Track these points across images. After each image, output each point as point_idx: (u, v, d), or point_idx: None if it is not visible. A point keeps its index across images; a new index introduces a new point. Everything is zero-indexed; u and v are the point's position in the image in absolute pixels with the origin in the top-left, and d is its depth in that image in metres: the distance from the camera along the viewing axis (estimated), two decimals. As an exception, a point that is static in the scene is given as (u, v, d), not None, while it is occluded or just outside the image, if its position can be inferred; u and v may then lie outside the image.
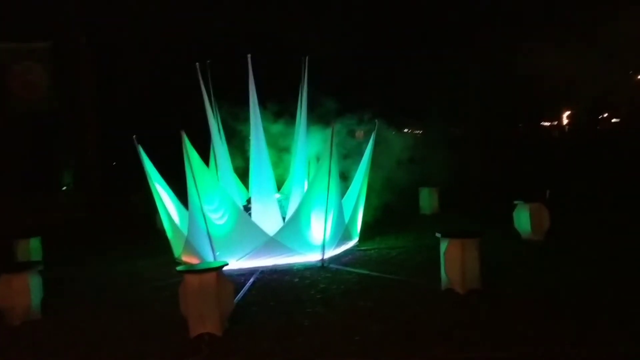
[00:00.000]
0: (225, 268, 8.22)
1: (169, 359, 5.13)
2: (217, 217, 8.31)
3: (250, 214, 8.96)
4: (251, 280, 7.78)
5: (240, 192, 10.19)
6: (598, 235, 9.57)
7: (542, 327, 5.36)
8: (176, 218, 9.24)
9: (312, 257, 8.66)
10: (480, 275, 6.64)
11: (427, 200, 13.32)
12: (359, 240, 10.11)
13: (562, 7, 20.93)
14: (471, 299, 6.40)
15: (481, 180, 16.54)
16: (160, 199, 9.24)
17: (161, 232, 11.54)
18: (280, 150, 10.60)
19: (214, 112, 9.78)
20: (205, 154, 10.53)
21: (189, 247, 8.79)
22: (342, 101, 10.76)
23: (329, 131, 8.49)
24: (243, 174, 10.19)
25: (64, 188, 15.98)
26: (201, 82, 9.28)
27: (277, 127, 10.31)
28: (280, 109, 10.28)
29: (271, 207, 9.04)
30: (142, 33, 15.31)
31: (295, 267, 8.42)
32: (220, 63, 10.07)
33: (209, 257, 8.29)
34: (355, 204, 9.71)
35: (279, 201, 9.53)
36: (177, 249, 9.22)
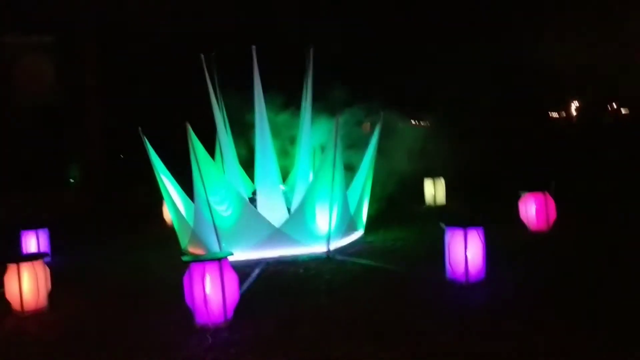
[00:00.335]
0: (231, 259, 8.35)
1: (173, 348, 5.16)
2: (223, 208, 8.36)
3: (255, 206, 9.00)
4: (256, 271, 7.82)
5: (245, 184, 10.23)
6: (604, 227, 9.54)
7: (544, 318, 5.36)
8: (182, 210, 9.29)
9: (318, 248, 8.70)
10: (484, 266, 6.65)
11: (433, 191, 13.32)
12: (364, 232, 10.13)
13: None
14: (475, 289, 6.40)
15: (487, 171, 16.48)
16: (167, 191, 9.30)
17: (167, 224, 11.65)
18: (286, 141, 10.63)
19: (220, 104, 9.81)
20: (211, 146, 10.60)
21: (195, 238, 8.85)
22: (349, 91, 10.76)
23: (334, 122, 8.50)
24: (249, 166, 10.22)
25: (71, 181, 16.07)
26: (206, 73, 9.29)
27: (283, 118, 10.34)
28: (285, 100, 10.30)
29: (276, 199, 9.08)
30: (148, 25, 15.30)
31: (300, 259, 8.45)
32: (226, 54, 10.06)
33: (215, 249, 8.34)
34: (361, 196, 9.72)
35: (284, 193, 9.56)
36: (184, 241, 9.29)
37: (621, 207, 11.26)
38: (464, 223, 6.83)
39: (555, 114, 35.38)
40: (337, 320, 5.64)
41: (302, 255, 8.55)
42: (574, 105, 36.33)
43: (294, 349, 4.99)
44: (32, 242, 9.22)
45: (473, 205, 12.51)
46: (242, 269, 7.90)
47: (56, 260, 9.35)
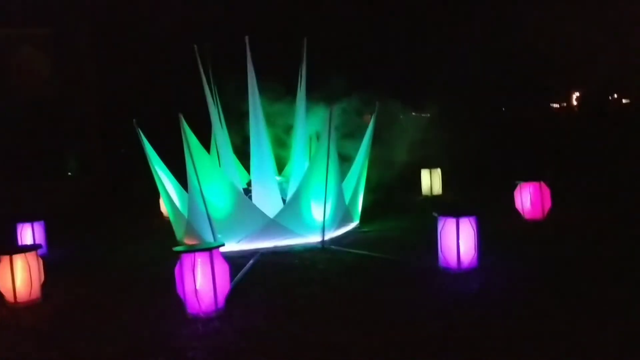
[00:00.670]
0: (226, 250, 8.38)
1: (164, 338, 5.18)
2: (217, 199, 8.36)
3: (250, 197, 9.00)
4: (251, 261, 7.83)
5: (241, 175, 10.24)
6: (600, 217, 9.52)
7: (536, 305, 5.38)
8: (177, 201, 9.29)
9: (313, 238, 8.70)
10: (477, 254, 6.66)
11: (429, 181, 13.33)
12: (360, 222, 10.14)
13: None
14: (467, 277, 6.42)
15: (485, 161, 16.48)
16: (162, 183, 9.30)
17: (165, 216, 11.66)
18: (283, 131, 10.61)
19: (214, 95, 9.79)
20: (207, 137, 10.60)
21: (190, 229, 8.86)
22: (348, 80, 10.74)
23: (328, 111, 8.48)
24: (246, 157, 10.20)
25: (69, 174, 16.08)
26: (200, 64, 9.27)
27: (279, 108, 10.33)
28: (282, 90, 10.28)
29: (271, 190, 9.07)
30: (143, 16, 15.27)
31: (295, 249, 8.46)
32: (221, 45, 10.04)
33: (210, 239, 8.34)
34: (356, 186, 9.72)
35: (280, 183, 9.57)
36: (179, 232, 9.30)
37: (619, 196, 11.27)
38: (457, 212, 6.84)
39: (556, 105, 35.30)
40: (330, 310, 5.66)
41: (297, 246, 8.56)
42: (575, 95, 36.24)
43: (285, 338, 5.00)
44: (27, 234, 9.22)
45: (470, 195, 12.53)
46: (237, 260, 7.92)
47: (52, 252, 9.38)
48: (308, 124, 9.74)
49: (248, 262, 7.81)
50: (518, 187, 9.53)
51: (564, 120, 28.08)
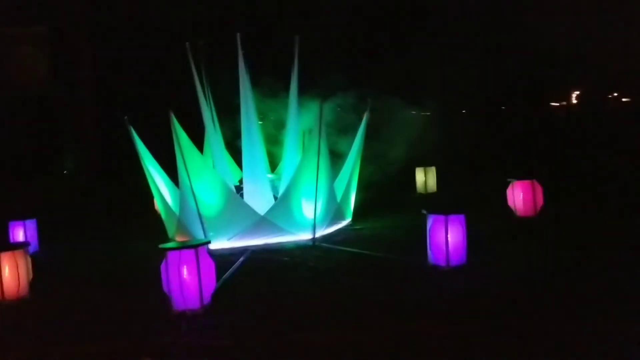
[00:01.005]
0: (216, 247, 8.39)
1: (150, 335, 5.17)
2: (207, 196, 8.35)
3: (242, 194, 8.99)
4: (241, 259, 7.82)
5: (234, 173, 10.23)
6: (593, 217, 9.47)
7: (522, 303, 5.37)
8: (169, 199, 9.28)
9: (304, 236, 8.69)
10: (466, 251, 6.65)
11: (424, 179, 13.32)
12: (353, 220, 10.12)
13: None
14: (455, 274, 6.40)
15: (481, 159, 16.47)
16: (153, 180, 9.29)
17: (158, 213, 11.64)
18: (276, 128, 10.60)
19: (207, 95, 9.78)
20: (200, 135, 10.59)
21: (182, 227, 8.85)
22: (343, 77, 10.72)
23: (325, 107, 8.47)
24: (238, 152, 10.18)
25: (65, 172, 16.09)
26: (192, 62, 9.25)
27: (272, 106, 10.33)
28: (275, 87, 10.26)
29: (263, 187, 9.07)
30: (139, 15, 15.27)
31: (286, 246, 8.44)
32: (214, 43, 10.03)
33: (201, 237, 8.32)
34: (348, 184, 9.70)
35: (271, 181, 9.56)
36: (171, 229, 9.29)
37: (612, 195, 11.25)
38: (446, 210, 6.83)
39: (555, 103, 35.23)
40: (317, 307, 5.65)
41: (287, 243, 8.54)
42: (575, 94, 36.17)
43: (270, 335, 5.00)
44: (19, 233, 9.22)
45: (464, 193, 12.50)
46: (227, 257, 7.94)
47: (44, 250, 9.38)
48: (301, 120, 9.72)
49: (238, 259, 7.81)
50: (511, 185, 9.51)
51: (562, 119, 28.00)
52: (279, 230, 8.53)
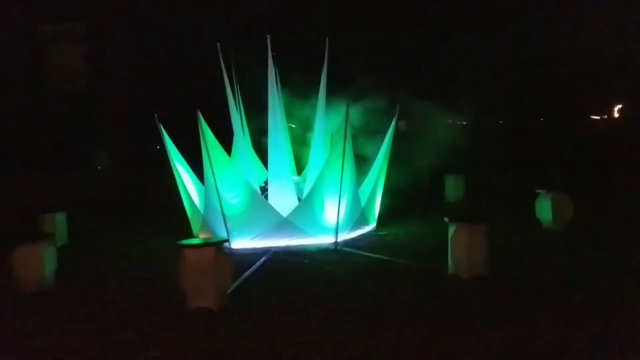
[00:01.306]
0: (238, 247, 8.43)
1: (163, 330, 5.21)
2: (231, 196, 8.39)
3: (266, 195, 9.02)
4: (262, 259, 7.84)
5: (261, 174, 10.26)
6: (623, 230, 9.20)
7: (541, 319, 5.23)
8: (195, 196, 9.37)
9: (326, 239, 8.66)
10: (488, 262, 6.51)
11: (453, 187, 13.16)
12: (377, 225, 10.04)
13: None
14: (475, 285, 6.28)
15: (511, 170, 16.17)
16: (180, 178, 9.40)
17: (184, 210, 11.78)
18: (306, 130, 10.59)
19: (236, 96, 9.83)
20: (230, 135, 10.66)
21: (206, 224, 8.93)
22: (374, 81, 10.68)
23: (352, 110, 8.42)
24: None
25: (99, 167, 16.41)
26: (222, 62, 9.31)
27: (302, 108, 10.35)
28: (305, 89, 10.27)
29: (288, 189, 9.06)
30: (173, 14, 15.50)
31: (307, 249, 8.43)
32: (245, 44, 10.10)
33: (224, 235, 8.37)
34: (373, 189, 9.63)
35: (296, 183, 9.56)
36: (195, 227, 9.38)
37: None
38: (469, 219, 6.71)
39: (597, 117, 34.44)
40: (330, 311, 5.62)
41: (309, 246, 8.53)
42: (617, 107, 35.30)
43: (282, 336, 4.99)
44: (49, 224, 9.42)
45: (492, 202, 12.30)
46: (249, 257, 7.97)
47: (72, 242, 9.58)
48: (329, 123, 9.69)
49: (259, 259, 7.83)
50: (540, 196, 9.31)
51: (602, 132, 27.32)
52: (301, 232, 8.52)
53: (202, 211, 9.00)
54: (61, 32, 16.25)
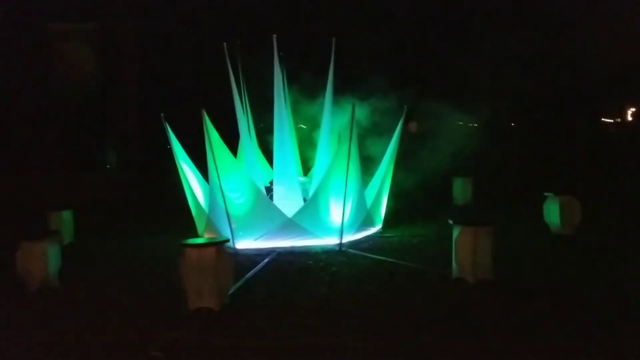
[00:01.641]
0: (243, 247, 8.42)
1: (163, 330, 5.20)
2: (236, 196, 8.38)
3: (272, 196, 8.99)
4: (266, 260, 7.82)
5: (267, 174, 10.24)
6: (632, 235, 9.07)
7: (543, 322, 5.16)
8: (200, 196, 9.36)
9: (331, 240, 8.62)
10: (493, 266, 6.44)
11: (461, 190, 13.06)
12: (383, 227, 9.99)
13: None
14: (480, 289, 6.22)
15: (520, 173, 16.05)
16: (186, 177, 9.39)
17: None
18: (313, 131, 10.56)
19: (243, 97, 9.83)
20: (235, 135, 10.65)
21: (211, 224, 8.92)
22: (386, 81, 10.63)
23: (360, 110, 8.38)
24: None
25: (108, 167, 16.48)
26: (228, 62, 9.29)
27: (306, 108, 10.32)
28: (312, 90, 10.24)
29: (293, 189, 9.02)
30: (183, 15, 15.56)
31: (312, 250, 8.39)
32: (251, 43, 10.07)
33: (228, 235, 8.36)
34: (379, 190, 9.58)
35: (302, 184, 9.52)
36: (201, 226, 9.38)
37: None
38: (474, 221, 6.65)
39: (609, 120, 34.16)
40: (332, 312, 5.59)
41: (314, 247, 8.49)
42: (630, 111, 34.98)
43: (282, 337, 4.96)
44: (56, 222, 9.46)
45: (500, 205, 12.20)
46: (253, 257, 7.96)
47: (79, 241, 9.61)
48: (336, 123, 9.66)
49: (263, 260, 7.81)
50: (548, 199, 9.22)
51: (613, 135, 27.08)
52: (306, 233, 8.49)
53: (207, 211, 8.99)
54: (71, 31, 16.33)
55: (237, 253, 8.14)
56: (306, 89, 10.29)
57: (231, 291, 6.01)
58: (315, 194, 8.46)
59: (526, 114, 22.24)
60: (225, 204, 8.26)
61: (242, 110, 9.44)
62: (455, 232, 6.60)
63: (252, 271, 7.17)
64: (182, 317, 5.50)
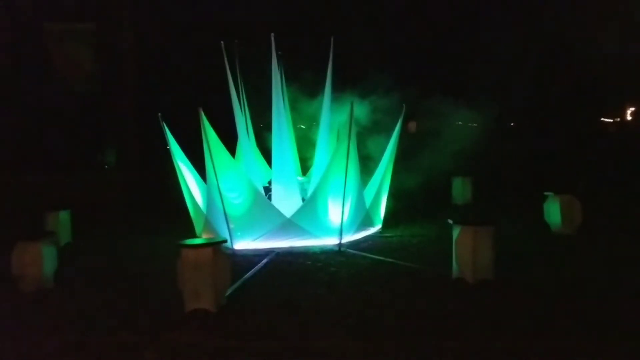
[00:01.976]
0: (241, 248, 8.35)
1: (160, 331, 5.13)
2: (234, 196, 8.31)
3: (270, 196, 8.92)
4: (264, 260, 7.75)
5: (264, 173, 10.17)
6: (633, 234, 9.00)
7: (543, 322, 5.09)
8: (198, 196, 9.29)
9: (330, 241, 8.55)
10: (493, 266, 6.37)
11: (460, 189, 13.00)
12: (382, 227, 9.92)
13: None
14: (479, 289, 6.15)
15: (520, 172, 15.98)
16: (184, 177, 9.32)
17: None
18: (312, 130, 10.50)
19: (241, 96, 9.76)
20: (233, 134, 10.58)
21: (208, 225, 8.85)
22: (388, 80, 10.57)
23: (359, 109, 8.30)
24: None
25: (106, 166, 16.40)
26: (226, 61, 9.22)
27: (305, 107, 10.25)
28: (311, 89, 10.18)
29: (291, 189, 8.95)
30: (179, 14, 15.48)
31: (311, 250, 8.32)
32: (249, 43, 10.00)
33: (226, 235, 8.29)
34: (378, 190, 9.51)
35: (301, 183, 9.45)
36: (198, 227, 9.30)
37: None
38: (474, 221, 6.58)
39: (609, 120, 34.12)
40: (330, 313, 5.51)
41: (313, 247, 8.42)
42: (630, 110, 34.94)
43: (279, 338, 4.89)
44: (53, 222, 9.39)
45: (500, 205, 12.14)
46: (251, 258, 7.90)
47: (76, 241, 9.55)
48: (336, 122, 9.59)
49: (261, 260, 7.74)
50: (548, 199, 9.15)
51: (613, 135, 27.03)
52: (305, 233, 8.42)
53: (205, 211, 8.92)
54: (69, 30, 16.26)
55: (235, 254, 8.07)
56: (305, 87, 10.22)
57: (229, 292, 5.94)
58: (314, 193, 8.40)
59: (526, 114, 22.17)
60: (223, 204, 8.19)
61: (240, 110, 9.37)
62: (455, 232, 6.54)
63: (250, 272, 7.11)
64: (178, 319, 5.43)
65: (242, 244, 8.43)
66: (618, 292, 5.96)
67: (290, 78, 9.94)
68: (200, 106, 8.11)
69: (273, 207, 8.41)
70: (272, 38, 8.80)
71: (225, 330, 5.10)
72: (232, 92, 9.18)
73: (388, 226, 10.08)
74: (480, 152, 15.68)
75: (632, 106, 34.13)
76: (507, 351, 4.47)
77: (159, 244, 9.23)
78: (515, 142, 18.04)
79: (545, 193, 9.23)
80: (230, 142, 9.38)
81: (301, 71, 10.10)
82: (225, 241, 6.20)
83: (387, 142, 9.84)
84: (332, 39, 9.15)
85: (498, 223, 6.62)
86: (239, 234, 8.41)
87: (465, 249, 6.39)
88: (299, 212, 8.38)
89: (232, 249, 8.22)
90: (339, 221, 8.43)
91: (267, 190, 9.19)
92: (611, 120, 34.24)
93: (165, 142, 9.34)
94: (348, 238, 8.74)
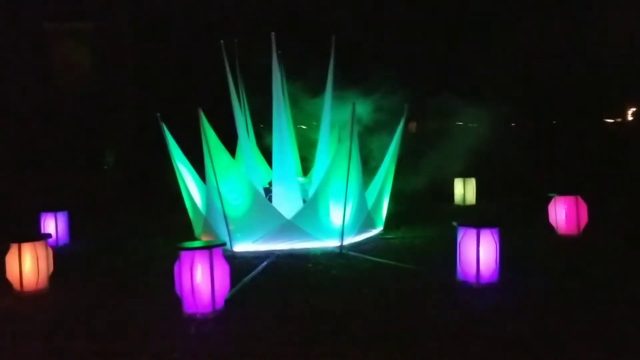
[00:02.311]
0: (241, 250, 8.22)
1: (156, 336, 5.00)
2: (234, 197, 8.18)
3: (270, 197, 8.79)
4: (264, 263, 7.62)
5: (265, 174, 10.05)
6: (639, 236, 8.87)
7: (550, 328, 4.95)
8: (197, 198, 9.17)
9: (331, 243, 8.41)
10: (498, 268, 6.25)
11: (463, 191, 12.87)
12: (384, 229, 9.79)
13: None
14: (484, 292, 6.02)
15: (525, 172, 15.85)
16: (183, 179, 9.20)
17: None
18: (312, 130, 10.39)
19: (241, 97, 9.63)
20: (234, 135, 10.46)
21: (208, 227, 8.72)
22: (391, 79, 10.46)
23: (362, 108, 8.19)
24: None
25: (105, 167, 16.29)
26: (225, 60, 9.09)
27: (306, 107, 10.14)
28: (313, 88, 10.06)
29: (292, 191, 8.81)
30: (180, 13, 15.39)
31: (312, 253, 8.18)
32: (250, 42, 9.88)
33: (226, 237, 8.16)
34: (380, 191, 9.37)
35: (302, 184, 9.33)
36: (198, 228, 9.18)
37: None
38: (478, 223, 6.45)
39: (610, 120, 34.02)
40: (330, 318, 5.37)
41: (314, 249, 8.28)
42: (631, 111, 34.85)
43: (278, 344, 4.75)
44: (50, 224, 9.28)
45: (504, 207, 12.01)
46: (251, 260, 7.77)
47: (73, 242, 9.43)
48: (337, 122, 9.47)
49: (261, 263, 7.61)
50: (552, 200, 9.02)
51: (614, 135, 26.90)
52: (305, 235, 8.28)
53: (204, 213, 8.79)
54: (68, 31, 16.17)
55: (234, 256, 7.95)
56: (306, 86, 10.10)
57: (228, 295, 5.80)
58: (315, 195, 8.26)
59: (529, 115, 22.06)
60: (222, 205, 8.06)
61: (240, 110, 9.24)
62: (459, 234, 6.41)
63: (249, 275, 6.98)
64: (174, 324, 5.30)
65: (241, 246, 8.29)
66: (626, 294, 5.83)
67: (292, 77, 9.80)
68: (199, 107, 7.98)
69: (273, 208, 8.28)
70: (272, 37, 8.67)
71: (223, 336, 4.97)
72: (232, 91, 9.05)
73: (390, 228, 9.94)
74: (484, 153, 15.55)
75: (632, 107, 34.05)
76: (514, 355, 4.33)
77: (158, 246, 9.11)
78: (519, 143, 17.88)
79: (550, 194, 9.10)
80: (229, 142, 9.26)
81: (301, 71, 9.96)
82: (225, 244, 6.06)
83: (389, 142, 9.72)
84: (333, 38, 9.01)
85: (502, 225, 6.48)
86: (238, 235, 8.28)
87: (469, 251, 6.27)
88: (299, 213, 8.25)
89: (232, 251, 8.09)
90: (340, 223, 8.30)
91: (268, 191, 9.06)
92: (613, 121, 34.15)
93: (164, 143, 9.22)
94: (349, 240, 8.61)
